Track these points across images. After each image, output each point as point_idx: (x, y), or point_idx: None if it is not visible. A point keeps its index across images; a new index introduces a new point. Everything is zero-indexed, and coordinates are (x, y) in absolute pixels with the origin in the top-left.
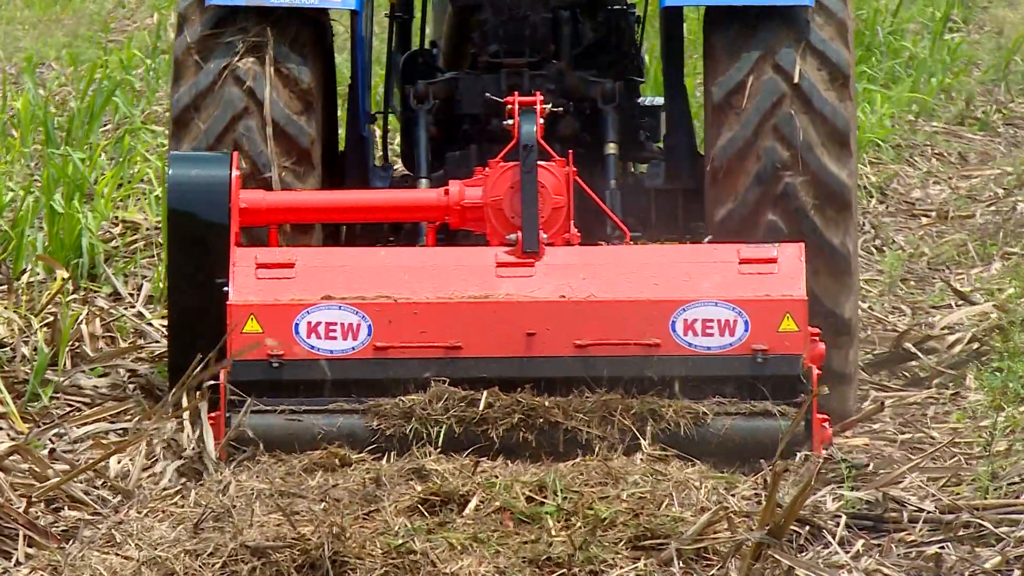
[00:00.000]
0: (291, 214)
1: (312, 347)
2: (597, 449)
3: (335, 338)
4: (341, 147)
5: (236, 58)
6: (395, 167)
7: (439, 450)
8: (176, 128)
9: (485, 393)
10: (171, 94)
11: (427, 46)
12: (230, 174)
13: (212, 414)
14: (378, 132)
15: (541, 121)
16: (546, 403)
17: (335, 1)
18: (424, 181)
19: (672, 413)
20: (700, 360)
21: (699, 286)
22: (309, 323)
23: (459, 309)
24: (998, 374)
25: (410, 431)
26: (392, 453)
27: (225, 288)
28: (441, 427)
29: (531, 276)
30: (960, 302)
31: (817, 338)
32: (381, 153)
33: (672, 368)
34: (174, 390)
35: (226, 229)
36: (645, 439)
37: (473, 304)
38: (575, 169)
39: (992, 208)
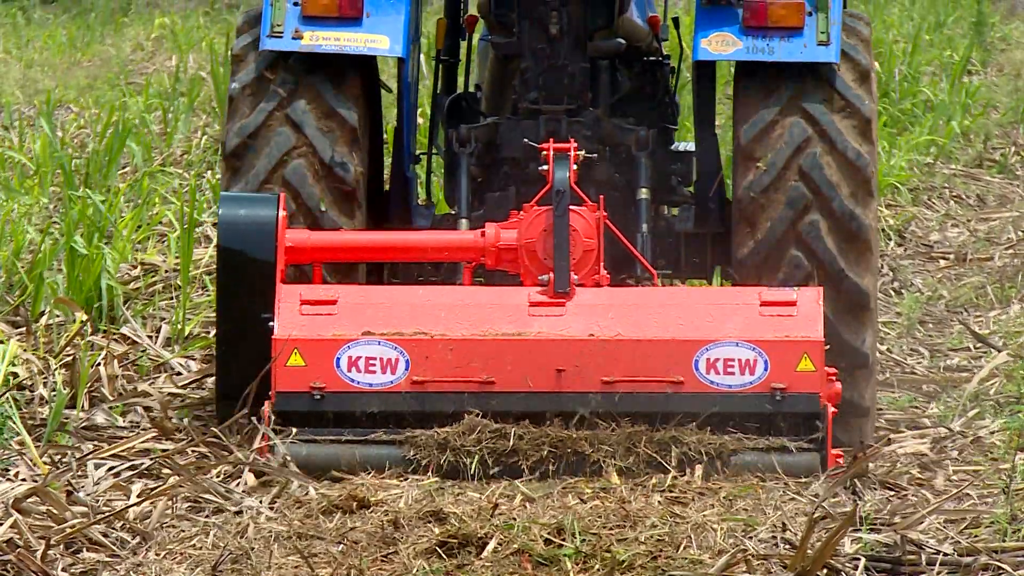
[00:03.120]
0: (335, 253)
1: (352, 380)
2: (619, 484)
3: (374, 372)
4: (386, 187)
5: (287, 99)
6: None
7: (473, 479)
8: (228, 165)
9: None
10: (225, 132)
11: (472, 89)
12: (277, 214)
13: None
14: (421, 172)
15: (575, 167)
16: (574, 435)
17: (383, 48)
18: (464, 221)
19: (694, 443)
20: (721, 398)
21: (721, 327)
22: (350, 357)
23: (492, 346)
24: (1018, 416)
25: (444, 461)
26: (412, 496)
27: (271, 323)
28: (473, 458)
29: (562, 315)
30: (979, 345)
31: (834, 378)
32: (424, 192)
33: (695, 405)
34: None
35: (272, 267)
36: (668, 472)
37: (506, 341)
38: (606, 214)
39: (1010, 251)
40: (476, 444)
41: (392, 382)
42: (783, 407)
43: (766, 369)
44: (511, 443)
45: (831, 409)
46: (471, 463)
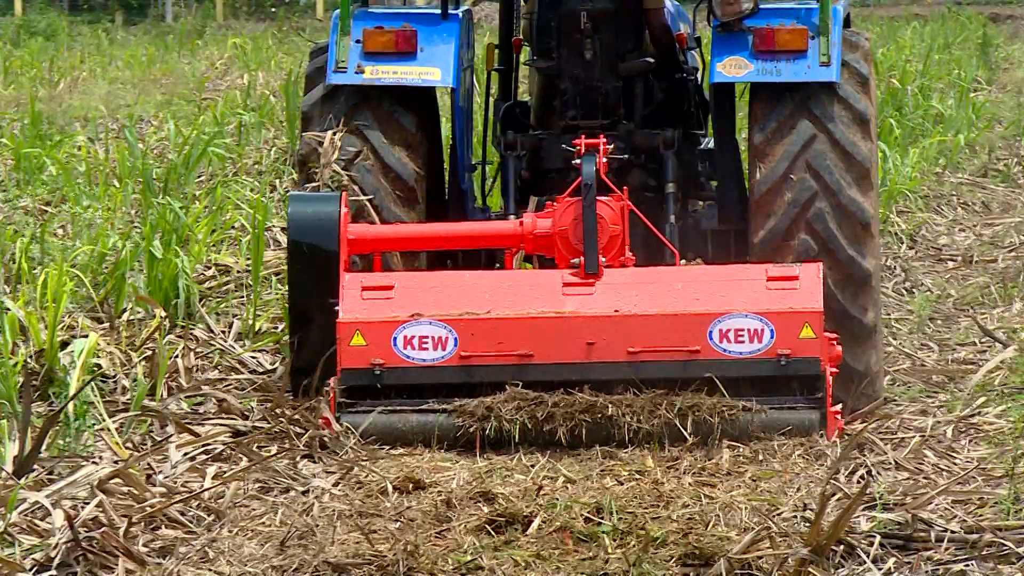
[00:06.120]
0: (391, 243)
1: (408, 357)
2: (653, 467)
3: (427, 349)
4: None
5: (352, 112)
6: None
7: (515, 443)
8: (301, 169)
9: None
10: (298, 141)
11: (525, 98)
12: (340, 210)
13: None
14: (478, 180)
15: (604, 160)
16: (603, 401)
17: (435, 80)
18: (512, 218)
19: (710, 404)
20: (733, 363)
21: (732, 300)
22: (405, 336)
23: (531, 323)
24: (1021, 405)
25: (489, 428)
26: (463, 477)
27: (336, 307)
28: (515, 423)
29: (592, 294)
30: (984, 338)
31: (835, 342)
32: (480, 198)
33: (710, 370)
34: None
35: (337, 257)
36: (686, 430)
37: (542, 319)
38: (630, 203)
39: (1013, 254)
40: (516, 411)
41: (443, 357)
42: (788, 370)
43: (772, 337)
44: (548, 409)
45: (831, 371)
46: (513, 429)
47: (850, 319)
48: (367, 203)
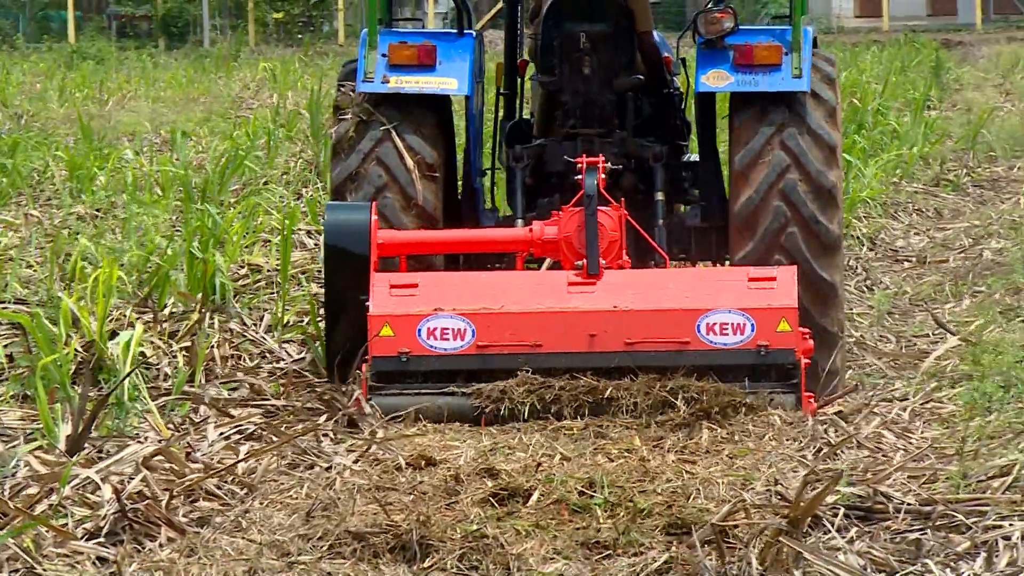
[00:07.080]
0: (416, 247)
1: (431, 346)
2: (640, 446)
3: (448, 339)
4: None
5: (378, 144)
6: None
7: (525, 421)
8: (335, 197)
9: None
10: (332, 170)
11: (527, 116)
12: (370, 218)
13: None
14: (488, 183)
15: (603, 176)
16: (603, 385)
17: (452, 88)
18: (519, 222)
19: (697, 388)
20: (718, 353)
21: (718, 298)
22: (429, 328)
23: (540, 317)
24: (969, 391)
25: (503, 408)
26: (470, 455)
27: (367, 303)
28: (526, 404)
29: (593, 292)
30: (938, 330)
31: (808, 336)
32: (489, 199)
33: (697, 359)
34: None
35: (367, 259)
36: (677, 408)
37: (550, 313)
38: (627, 212)
39: (963, 255)
40: (528, 394)
41: (462, 347)
42: (767, 360)
43: (753, 330)
44: (555, 392)
45: (804, 360)
46: (524, 410)
47: (817, 326)
48: (391, 129)
